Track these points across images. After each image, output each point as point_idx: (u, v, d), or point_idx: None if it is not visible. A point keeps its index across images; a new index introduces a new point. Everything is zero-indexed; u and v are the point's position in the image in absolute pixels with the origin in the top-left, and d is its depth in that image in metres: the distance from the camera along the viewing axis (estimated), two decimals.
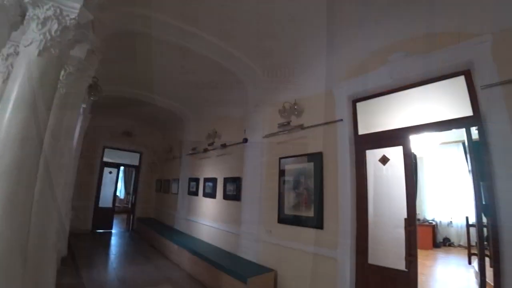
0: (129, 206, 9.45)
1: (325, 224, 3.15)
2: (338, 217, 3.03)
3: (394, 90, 2.96)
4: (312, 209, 3.28)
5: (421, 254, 6.01)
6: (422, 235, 6.85)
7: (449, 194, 7.22)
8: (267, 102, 4.27)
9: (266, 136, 4.11)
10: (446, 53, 2.49)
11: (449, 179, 7.22)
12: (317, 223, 3.20)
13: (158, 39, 3.50)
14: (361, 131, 3.15)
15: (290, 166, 3.66)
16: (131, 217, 8.64)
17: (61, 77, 2.29)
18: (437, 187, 7.51)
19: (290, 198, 3.59)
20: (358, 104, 3.22)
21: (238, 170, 4.71)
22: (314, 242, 3.23)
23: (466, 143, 2.54)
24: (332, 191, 3.14)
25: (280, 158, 3.84)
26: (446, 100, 2.65)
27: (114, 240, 6.92)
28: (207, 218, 5.52)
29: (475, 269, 4.86)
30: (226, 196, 5.01)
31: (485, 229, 2.55)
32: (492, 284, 2.16)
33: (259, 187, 4.09)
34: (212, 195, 5.45)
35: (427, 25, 2.65)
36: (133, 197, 8.94)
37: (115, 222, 8.44)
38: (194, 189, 6.19)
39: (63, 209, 3.93)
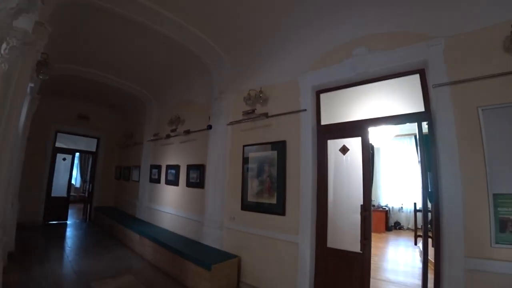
0: (86, 195, 8.82)
1: (287, 211, 3.23)
2: (300, 204, 3.12)
3: (356, 84, 3.07)
4: (275, 196, 3.33)
5: (375, 237, 6.52)
6: (376, 220, 7.41)
7: (401, 182, 7.89)
8: (233, 89, 4.18)
9: (231, 123, 4.04)
10: (405, 52, 2.65)
11: (402, 168, 7.87)
12: (280, 209, 3.27)
13: (118, 14, 3.21)
14: (323, 121, 3.23)
15: (254, 154, 3.65)
16: (88, 207, 8.07)
17: (2, 51, 2.01)
18: (391, 175, 8.16)
19: (253, 186, 3.61)
20: (322, 95, 3.29)
21: (202, 157, 4.61)
22: (277, 228, 3.30)
23: (417, 136, 2.72)
24: (295, 178, 3.21)
25: (244, 146, 3.82)
26: (402, 95, 2.82)
27: (69, 232, 6.41)
28: (170, 206, 5.38)
29: (420, 249, 5.36)
30: (189, 184, 4.90)
31: (429, 214, 2.81)
32: (433, 261, 2.41)
33: (223, 174, 4.05)
34: (175, 182, 5.30)
35: (389, 24, 2.78)
36: (90, 185, 8.35)
37: (70, 212, 7.84)
38: (156, 177, 5.97)
39: (9, 199, 3.56)
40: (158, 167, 5.96)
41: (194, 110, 5.13)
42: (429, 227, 3.00)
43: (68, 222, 7.42)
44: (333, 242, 2.99)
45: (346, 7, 2.83)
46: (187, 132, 5.05)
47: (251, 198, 3.61)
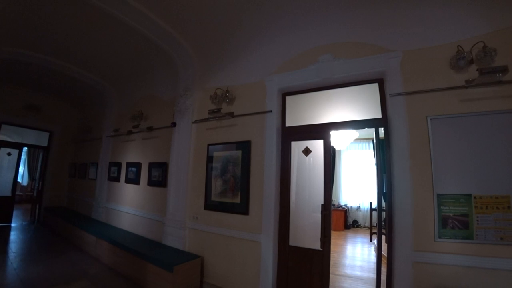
0: (34, 194, 8.00)
1: (251, 210, 3.23)
2: (263, 203, 3.13)
3: (320, 88, 3.18)
4: (239, 195, 3.31)
5: (334, 235, 6.88)
6: (336, 219, 7.77)
7: (359, 183, 8.38)
8: (199, 86, 4.07)
9: (196, 122, 3.93)
10: (366, 61, 2.80)
11: (360, 170, 8.36)
12: (243, 209, 3.25)
13: None
14: (288, 123, 3.28)
15: (219, 153, 3.60)
16: (37, 207, 7.27)
17: None
18: (350, 177, 8.61)
19: (217, 185, 3.55)
20: (288, 98, 3.35)
21: (165, 155, 4.43)
22: (240, 227, 3.29)
23: (374, 141, 2.89)
24: (258, 178, 3.22)
25: (208, 145, 3.74)
26: (363, 102, 2.99)
27: (14, 235, 5.66)
28: (130, 205, 5.09)
29: (375, 245, 5.70)
30: (151, 182, 4.68)
31: (383, 213, 2.99)
32: (386, 255, 2.57)
33: (186, 173, 3.92)
34: (136, 181, 5.03)
35: (354, 34, 2.92)
36: (40, 183, 7.56)
37: (15, 213, 7.04)
38: (116, 175, 5.62)
39: None
40: (118, 165, 5.61)
41: (158, 106, 4.91)
42: (383, 224, 3.20)
43: (13, 224, 6.63)
44: (295, 240, 3.05)
45: (312, 15, 2.91)
46: (150, 128, 4.81)
47: (214, 198, 3.55)
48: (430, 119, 2.42)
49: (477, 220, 2.26)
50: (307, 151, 3.07)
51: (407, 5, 2.61)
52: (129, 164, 5.30)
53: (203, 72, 4.05)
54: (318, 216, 2.90)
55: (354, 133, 5.88)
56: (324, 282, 2.87)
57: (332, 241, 6.12)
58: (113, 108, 6.14)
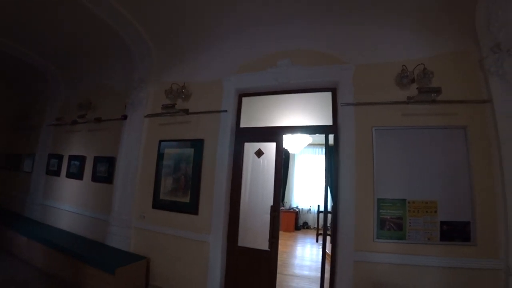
0: None
1: (200, 210, 3.08)
2: (213, 204, 3.01)
3: (277, 92, 3.17)
4: (189, 195, 3.14)
5: (285, 236, 7.01)
6: (287, 220, 7.92)
7: (311, 187, 8.66)
8: (155, 79, 3.78)
9: (149, 116, 3.64)
10: (322, 70, 2.88)
11: (312, 174, 8.65)
12: (193, 208, 3.09)
13: None
14: (243, 124, 3.21)
15: (170, 150, 3.37)
16: None
17: None
18: (303, 180, 8.86)
19: (167, 183, 3.32)
20: (244, 99, 3.27)
21: (113, 149, 4.02)
22: (189, 227, 3.12)
23: (325, 147, 2.97)
24: (210, 178, 3.08)
25: (160, 141, 3.49)
26: (316, 109, 3.05)
27: None
28: (70, 203, 4.54)
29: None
30: (95, 178, 4.23)
31: (329, 215, 3.08)
32: (330, 254, 2.67)
33: (135, 169, 3.61)
34: (79, 176, 4.50)
35: (312, 43, 2.98)
36: None
37: None
38: (56, 168, 4.97)
39: None
40: (59, 157, 4.97)
41: (110, 97, 4.46)
42: (328, 226, 3.30)
43: None
44: (244, 241, 2.99)
45: (276, 20, 2.89)
46: (98, 120, 4.35)
47: (164, 196, 3.32)
48: (375, 129, 2.55)
49: (410, 223, 2.43)
50: (259, 153, 3.03)
51: (363, 23, 2.76)
52: (72, 157, 4.74)
53: (161, 65, 3.77)
54: (267, 217, 2.87)
55: (308, 138, 6.03)
56: (271, 282, 2.85)
57: (283, 241, 6.23)
58: (57, 94, 5.42)
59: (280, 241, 6.26)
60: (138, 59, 3.84)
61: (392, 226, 2.44)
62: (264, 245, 2.86)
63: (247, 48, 3.21)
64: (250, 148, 3.10)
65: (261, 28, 3.01)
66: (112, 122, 4.15)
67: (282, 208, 8.47)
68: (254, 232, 2.97)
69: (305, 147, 7.06)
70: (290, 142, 5.88)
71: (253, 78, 3.13)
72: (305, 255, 5.46)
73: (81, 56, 4.50)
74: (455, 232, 2.40)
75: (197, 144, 3.17)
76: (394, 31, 2.75)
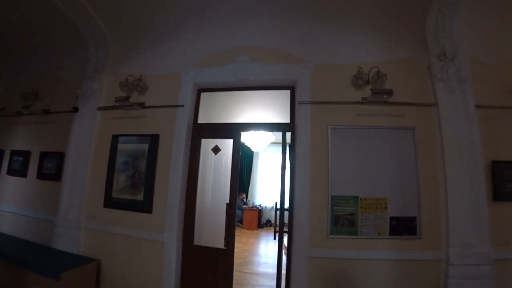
0: None
1: (154, 208, 2.89)
2: (167, 202, 2.84)
3: (236, 88, 3.07)
4: (143, 192, 2.93)
5: (247, 234, 7.03)
6: (250, 218, 7.91)
7: (274, 185, 8.65)
8: (110, 70, 3.48)
9: (101, 109, 3.34)
10: (281, 68, 2.85)
11: (276, 172, 8.56)
12: (146, 207, 2.90)
13: None
14: (201, 120, 3.07)
15: (124, 146, 3.12)
16: None
17: None
18: (266, 178, 8.87)
19: (120, 180, 3.08)
20: (203, 94, 3.13)
21: (62, 143, 3.64)
22: (142, 226, 2.92)
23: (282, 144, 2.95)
24: (164, 175, 2.90)
25: (114, 136, 3.21)
26: (275, 106, 3.02)
27: None
28: (12, 202, 4.03)
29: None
30: (41, 175, 3.80)
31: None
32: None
33: (85, 165, 3.29)
34: (22, 172, 4.02)
35: (271, 41, 2.93)
36: None
37: None
38: None
39: None
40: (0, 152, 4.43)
41: (60, 87, 4.02)
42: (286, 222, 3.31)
43: None
44: (200, 239, 2.87)
45: (236, 15, 2.83)
46: (46, 111, 3.90)
47: (116, 194, 3.07)
48: (331, 128, 2.58)
49: (361, 219, 2.49)
50: (216, 150, 2.93)
51: (323, 24, 2.78)
52: (14, 152, 4.22)
53: (117, 55, 3.48)
54: (224, 215, 2.78)
55: (271, 136, 6.02)
56: (228, 281, 2.77)
57: (245, 239, 6.18)
58: None
59: (242, 239, 6.28)
60: (92, 47, 3.52)
61: (345, 222, 2.49)
62: (221, 244, 2.77)
63: (207, 42, 3.08)
64: (207, 144, 2.98)
65: (221, 23, 2.91)
66: (61, 114, 3.74)
67: (245, 206, 8.49)
68: (211, 231, 2.88)
69: (269, 146, 7.08)
70: (253, 140, 5.82)
71: (212, 73, 3.01)
72: (268, 253, 5.46)
73: (31, 40, 4.02)
74: (403, 227, 2.51)
75: (152, 140, 2.97)
76: (352, 34, 2.81)
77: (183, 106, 2.95)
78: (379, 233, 2.49)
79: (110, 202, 3.10)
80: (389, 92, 2.43)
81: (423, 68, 2.75)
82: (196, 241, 2.88)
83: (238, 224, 8.41)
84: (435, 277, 2.43)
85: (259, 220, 8.31)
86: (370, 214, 2.50)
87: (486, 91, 2.73)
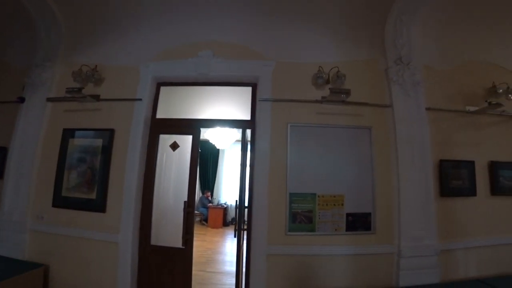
0: None
1: (108, 207, 2.74)
2: (123, 200, 2.70)
3: (197, 83, 3.00)
4: (95, 190, 2.76)
5: (212, 232, 6.97)
6: (215, 216, 7.89)
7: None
8: (63, 58, 3.23)
9: (52, 100, 3.09)
10: (243, 65, 2.83)
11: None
12: (100, 206, 2.73)
13: None
14: (159, 115, 2.95)
15: (76, 141, 2.92)
16: None
17: None
18: (232, 176, 8.83)
19: (71, 178, 2.87)
20: (163, 88, 3.02)
21: (5, 137, 3.30)
22: (96, 227, 2.75)
23: (241, 142, 2.93)
24: (120, 172, 2.76)
25: (65, 129, 2.99)
26: (235, 103, 3.00)
27: None
28: None
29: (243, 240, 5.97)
30: None
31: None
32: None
33: (31, 161, 3.02)
34: None
35: (234, 36, 2.90)
36: None
37: None
38: None
39: None
40: None
41: (4, 74, 3.65)
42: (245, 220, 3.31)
43: None
44: (157, 239, 2.77)
45: (199, 8, 2.75)
46: None
47: (66, 193, 2.86)
48: (290, 125, 2.60)
49: (319, 215, 2.55)
50: (174, 146, 2.84)
51: (287, 23, 2.80)
52: None
53: (72, 43, 3.22)
54: (182, 213, 2.70)
55: (235, 134, 6.00)
56: (186, 281, 2.71)
57: (209, 238, 6.11)
58: None
59: (206, 238, 6.20)
60: (43, 32, 3.23)
61: (303, 219, 2.53)
62: (179, 243, 2.69)
63: (168, 35, 2.97)
64: (164, 140, 2.87)
65: (183, 16, 2.82)
66: (5, 105, 3.40)
67: (210, 204, 8.43)
68: (169, 230, 2.79)
69: (234, 143, 7.05)
70: (217, 137, 5.75)
71: (172, 66, 2.91)
72: (231, 251, 5.44)
73: None
74: (359, 223, 2.61)
75: (107, 135, 2.80)
76: (315, 34, 2.87)
77: (141, 100, 2.82)
78: (336, 229, 2.56)
79: (59, 201, 2.87)
80: (347, 92, 2.51)
81: (381, 70, 2.88)
82: (154, 241, 2.77)
83: (203, 222, 8.38)
84: (388, 270, 2.57)
85: (225, 218, 8.29)
86: (328, 211, 2.56)
87: (436, 95, 2.93)
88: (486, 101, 2.95)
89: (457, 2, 2.71)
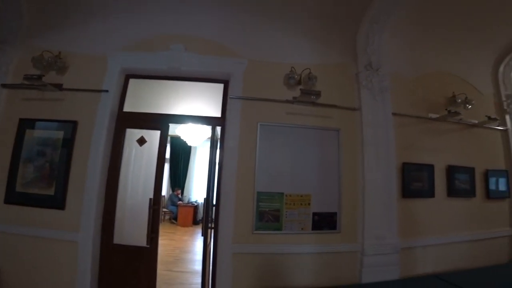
0: None
1: (68, 204, 2.58)
2: (84, 196, 2.57)
3: (168, 78, 2.93)
4: (54, 186, 2.60)
5: (182, 231, 6.86)
6: (185, 215, 7.81)
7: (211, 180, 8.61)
8: (24, 42, 2.99)
9: (7, 86, 2.86)
10: (216, 61, 2.80)
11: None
12: (59, 202, 2.57)
13: None
14: (127, 108, 2.85)
15: (34, 132, 2.72)
16: None
17: None
18: (204, 173, 8.72)
19: (26, 172, 2.67)
20: (132, 80, 2.92)
21: None
22: (54, 225, 2.58)
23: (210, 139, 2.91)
24: (81, 167, 2.61)
25: (21, 119, 2.77)
26: (207, 100, 2.96)
27: None
28: None
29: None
30: None
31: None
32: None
33: None
34: None
35: (208, 31, 2.85)
36: None
37: None
38: None
39: None
40: None
41: None
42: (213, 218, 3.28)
43: None
44: (121, 238, 2.67)
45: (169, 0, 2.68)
46: None
47: (21, 188, 2.66)
48: (260, 124, 2.62)
49: (286, 214, 2.59)
50: (142, 141, 2.75)
51: (261, 22, 2.82)
52: None
53: (34, 26, 2.99)
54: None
55: (207, 131, 5.91)
56: (151, 281, 2.64)
57: (178, 237, 6.00)
58: None
59: (175, 237, 6.09)
60: (6, 17, 2.97)
61: (270, 218, 2.56)
62: (143, 241, 2.61)
63: (140, 25, 2.86)
64: (132, 135, 2.77)
65: (157, 6, 2.73)
66: None
67: (180, 202, 8.31)
68: (134, 228, 2.69)
69: (206, 141, 6.97)
70: (189, 134, 5.65)
71: (143, 58, 2.81)
72: (200, 250, 5.35)
73: None
74: (324, 222, 2.69)
75: (69, 127, 2.64)
76: (289, 35, 2.92)
77: (107, 91, 2.69)
78: (302, 228, 2.62)
79: (13, 197, 2.67)
80: (318, 94, 2.57)
81: (351, 74, 2.98)
82: (118, 240, 2.67)
83: (173, 221, 8.23)
84: (352, 267, 2.69)
85: (195, 217, 8.19)
86: (295, 210, 2.61)
87: (402, 101, 3.09)
88: (446, 109, 3.16)
89: (424, 16, 2.88)
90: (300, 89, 2.56)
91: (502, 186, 3.48)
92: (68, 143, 2.62)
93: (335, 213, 2.71)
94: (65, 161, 2.60)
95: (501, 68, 3.71)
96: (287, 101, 2.65)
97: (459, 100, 3.28)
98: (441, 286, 2.53)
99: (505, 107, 3.66)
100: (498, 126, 3.54)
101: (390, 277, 2.63)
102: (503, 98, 3.69)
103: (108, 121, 2.65)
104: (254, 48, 2.84)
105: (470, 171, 3.33)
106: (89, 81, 2.74)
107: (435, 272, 2.86)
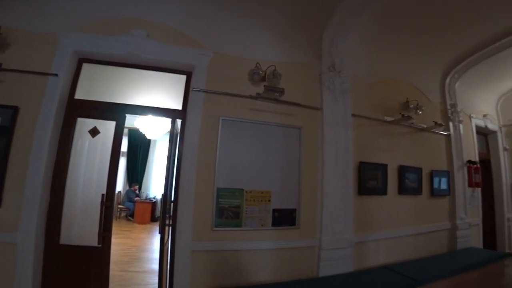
0: None
1: (6, 201, 2.26)
2: (25, 191, 2.29)
3: (127, 65, 2.76)
4: None
5: (139, 228, 6.58)
6: (142, 211, 7.53)
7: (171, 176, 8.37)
8: None
9: None
10: (180, 51, 2.70)
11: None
12: None
13: None
14: (78, 95, 2.61)
15: None
16: None
17: None
18: (163, 168, 8.44)
19: None
20: (86, 65, 2.67)
21: None
22: None
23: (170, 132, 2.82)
24: (22, 158, 2.33)
25: None
26: (168, 91, 2.85)
27: None
28: None
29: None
30: None
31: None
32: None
33: None
34: None
35: (172, 19, 2.73)
36: None
37: None
38: None
39: None
40: None
41: None
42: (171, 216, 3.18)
43: None
44: (69, 237, 2.46)
45: None
46: None
47: None
48: (222, 119, 2.59)
49: (246, 211, 2.60)
50: (94, 132, 2.55)
51: (229, 14, 2.79)
52: None
53: None
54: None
55: (168, 124, 5.69)
56: (103, 283, 2.48)
57: (135, 235, 5.74)
58: None
59: (132, 235, 5.83)
60: None
61: (230, 214, 2.54)
62: (95, 241, 2.42)
63: (98, 4, 2.62)
64: (84, 125, 2.56)
65: None
66: None
67: (137, 198, 8.01)
68: (84, 226, 2.49)
69: (167, 134, 6.75)
70: (149, 126, 5.41)
71: (99, 41, 2.57)
72: (158, 248, 5.14)
73: None
74: (284, 218, 2.74)
75: (8, 113, 2.34)
76: (257, 31, 2.93)
77: (56, 75, 2.42)
78: (262, 225, 2.64)
79: None
80: (281, 91, 2.60)
81: (315, 75, 3.07)
82: (65, 240, 2.45)
83: (129, 218, 7.91)
84: (310, 262, 2.79)
85: (153, 214, 7.92)
86: (255, 207, 2.62)
87: (361, 103, 3.27)
88: (400, 113, 3.41)
89: (386, 26, 3.09)
90: (264, 86, 2.58)
91: (443, 185, 3.88)
92: (7, 131, 2.30)
93: (294, 210, 2.78)
94: (3, 152, 2.30)
95: (448, 80, 4.14)
96: (251, 97, 2.65)
97: (412, 106, 3.56)
98: (390, 276, 2.74)
99: (449, 115, 4.09)
100: (443, 131, 3.93)
101: (345, 270, 2.80)
102: (448, 107, 4.12)
103: (56, 108, 2.39)
104: (221, 41, 2.80)
105: (418, 171, 3.64)
106: (35, 63, 2.44)
107: (385, 264, 3.10)
